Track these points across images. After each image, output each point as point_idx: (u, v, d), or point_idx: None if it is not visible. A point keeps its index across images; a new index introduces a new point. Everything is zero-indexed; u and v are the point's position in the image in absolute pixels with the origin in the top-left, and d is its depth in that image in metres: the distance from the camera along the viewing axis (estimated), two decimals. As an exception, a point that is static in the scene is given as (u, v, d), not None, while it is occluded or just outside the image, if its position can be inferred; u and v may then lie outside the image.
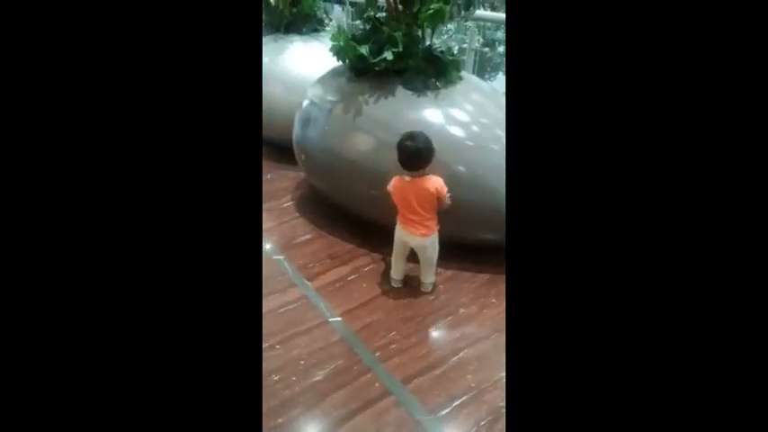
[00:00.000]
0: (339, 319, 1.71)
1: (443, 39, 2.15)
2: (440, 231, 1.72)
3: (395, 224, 1.75)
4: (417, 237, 1.68)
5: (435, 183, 1.60)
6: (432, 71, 1.96)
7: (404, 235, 1.72)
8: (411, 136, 1.58)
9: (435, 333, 1.67)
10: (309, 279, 1.90)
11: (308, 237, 2.17)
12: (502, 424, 1.33)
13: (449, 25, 2.27)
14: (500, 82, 3.95)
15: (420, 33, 1.97)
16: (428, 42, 2.01)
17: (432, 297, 1.81)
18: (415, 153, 1.56)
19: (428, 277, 1.80)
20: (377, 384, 1.45)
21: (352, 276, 1.92)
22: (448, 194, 1.61)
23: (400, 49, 1.88)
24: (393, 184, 1.66)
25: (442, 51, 1.99)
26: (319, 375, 1.47)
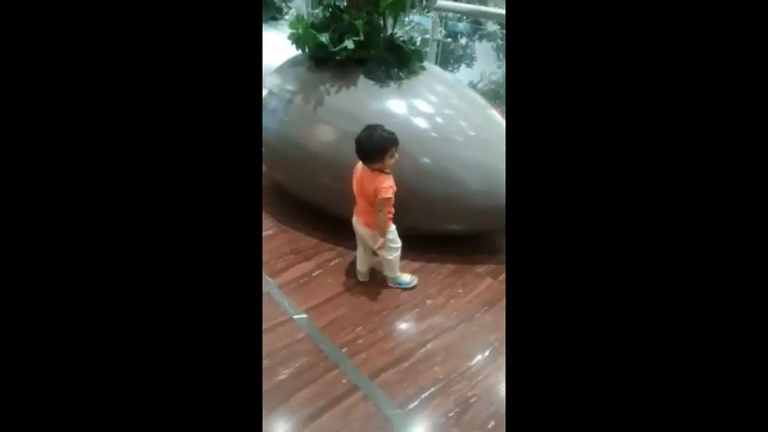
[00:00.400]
0: (304, 315, 1.66)
1: (406, 29, 2.12)
2: (405, 223, 1.70)
3: (360, 217, 1.72)
4: (362, 226, 1.66)
5: (379, 183, 1.53)
6: (394, 61, 1.93)
7: (354, 222, 1.70)
8: (367, 127, 1.54)
9: (402, 326, 1.66)
10: (272, 276, 1.84)
11: (270, 232, 2.10)
12: (470, 414, 1.34)
13: (410, 15, 2.24)
14: (462, 74, 3.98)
15: (381, 22, 1.93)
16: (390, 32, 1.97)
17: (398, 289, 1.80)
18: (361, 145, 1.52)
19: (388, 271, 1.78)
20: (344, 380, 1.42)
21: (317, 272, 1.88)
22: (385, 197, 1.52)
23: (361, 38, 1.84)
24: (355, 168, 1.62)
25: (404, 41, 1.97)
26: (284, 374, 1.43)
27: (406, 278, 1.80)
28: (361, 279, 1.82)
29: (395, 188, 1.56)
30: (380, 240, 1.64)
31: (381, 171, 1.55)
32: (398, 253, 1.73)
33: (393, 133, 1.53)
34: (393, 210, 1.63)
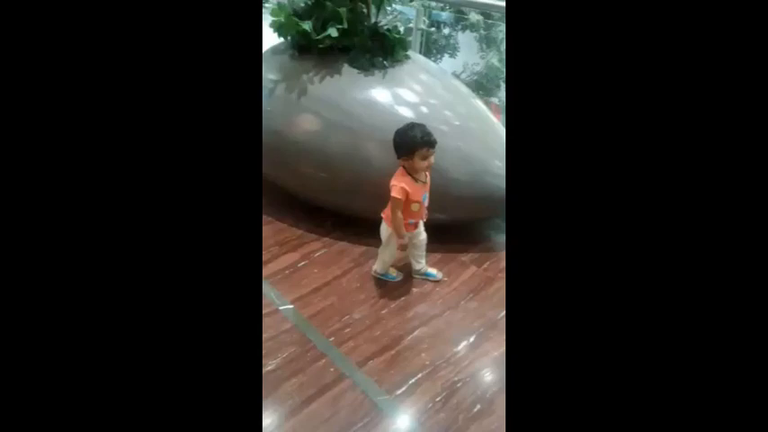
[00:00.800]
0: (290, 306, 1.66)
1: (389, 18, 2.10)
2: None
3: (345, 208, 1.72)
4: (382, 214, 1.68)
5: (394, 180, 1.53)
6: (378, 49, 1.92)
7: None
8: (408, 124, 1.53)
9: (389, 314, 1.67)
10: (257, 267, 1.83)
11: (255, 223, 2.08)
12: (456, 398, 1.36)
13: (393, 4, 2.22)
14: (445, 64, 3.97)
15: (365, 10, 1.91)
16: (373, 20, 1.96)
17: (384, 279, 1.81)
18: (393, 138, 1.52)
19: (377, 266, 1.79)
20: (332, 369, 1.43)
21: (303, 263, 1.87)
22: (392, 195, 1.53)
23: (345, 26, 1.82)
24: None
25: (388, 29, 1.95)
26: (271, 365, 1.43)
27: (393, 273, 1.80)
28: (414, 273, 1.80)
29: (413, 195, 1.53)
30: (386, 237, 1.65)
31: (408, 171, 1.54)
32: (392, 257, 1.74)
33: (427, 135, 1.47)
34: (413, 220, 1.62)
